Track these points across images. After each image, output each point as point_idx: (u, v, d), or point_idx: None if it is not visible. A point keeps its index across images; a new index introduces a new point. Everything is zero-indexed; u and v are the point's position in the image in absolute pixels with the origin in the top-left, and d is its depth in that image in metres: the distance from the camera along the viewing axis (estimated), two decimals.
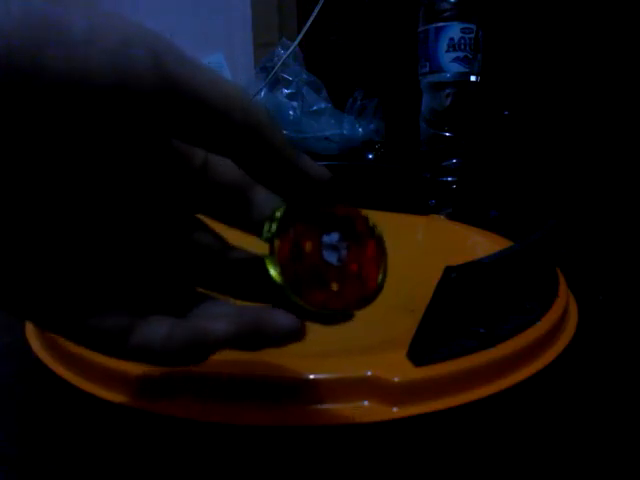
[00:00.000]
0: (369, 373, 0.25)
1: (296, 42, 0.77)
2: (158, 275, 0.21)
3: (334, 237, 0.20)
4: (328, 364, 0.26)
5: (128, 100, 0.15)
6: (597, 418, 0.28)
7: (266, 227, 0.20)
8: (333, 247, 0.20)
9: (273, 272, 0.19)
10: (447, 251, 0.46)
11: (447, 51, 0.60)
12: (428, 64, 0.62)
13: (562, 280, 0.38)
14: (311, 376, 0.25)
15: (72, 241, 0.18)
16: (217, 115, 0.16)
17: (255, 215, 0.21)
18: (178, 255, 0.21)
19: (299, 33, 0.74)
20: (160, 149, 0.20)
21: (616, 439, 0.26)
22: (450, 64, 0.60)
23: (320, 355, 0.27)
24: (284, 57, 0.82)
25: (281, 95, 0.89)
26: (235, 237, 0.22)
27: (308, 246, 0.20)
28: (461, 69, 0.60)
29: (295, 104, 0.88)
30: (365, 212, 0.21)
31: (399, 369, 0.26)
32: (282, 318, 0.19)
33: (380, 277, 0.21)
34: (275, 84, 0.90)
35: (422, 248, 0.54)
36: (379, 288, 0.21)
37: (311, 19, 0.71)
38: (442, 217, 0.61)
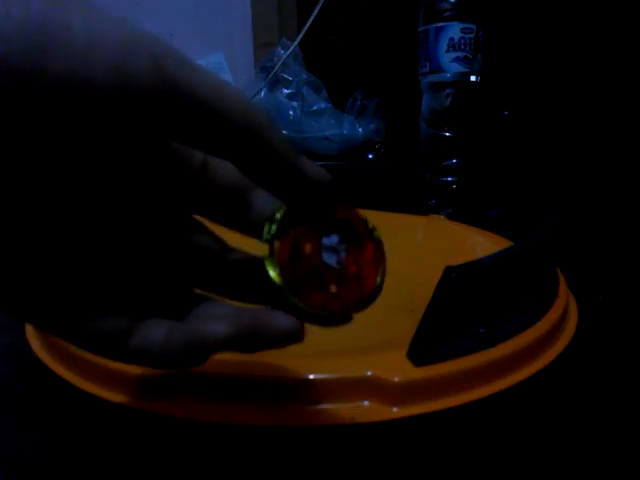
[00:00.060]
0: (369, 373, 0.25)
1: (296, 42, 0.77)
2: (157, 277, 0.21)
3: (334, 239, 0.20)
4: (328, 364, 0.26)
5: (128, 102, 0.15)
6: (597, 418, 0.28)
7: (266, 228, 0.20)
8: (332, 249, 0.20)
9: (272, 273, 0.19)
10: (447, 251, 0.46)
11: (447, 51, 0.60)
12: (428, 64, 0.62)
13: (562, 280, 0.38)
14: (311, 376, 0.25)
15: (72, 243, 0.18)
16: (217, 117, 0.16)
17: (254, 217, 0.21)
18: (177, 257, 0.21)
19: (299, 33, 0.74)
20: (159, 151, 0.20)
21: (616, 439, 0.26)
22: (450, 64, 0.60)
23: (320, 355, 0.27)
24: (284, 57, 0.82)
25: (281, 95, 0.89)
26: (234, 239, 0.22)
27: (308, 248, 0.20)
28: (461, 69, 0.60)
29: (295, 104, 0.88)
30: (364, 214, 0.21)
31: (399, 369, 0.26)
32: (281, 319, 0.19)
33: (379, 279, 0.21)
34: (275, 84, 0.90)
35: (422, 248, 0.54)
36: (378, 290, 0.21)
37: (311, 19, 0.71)
38: (442, 217, 0.61)
